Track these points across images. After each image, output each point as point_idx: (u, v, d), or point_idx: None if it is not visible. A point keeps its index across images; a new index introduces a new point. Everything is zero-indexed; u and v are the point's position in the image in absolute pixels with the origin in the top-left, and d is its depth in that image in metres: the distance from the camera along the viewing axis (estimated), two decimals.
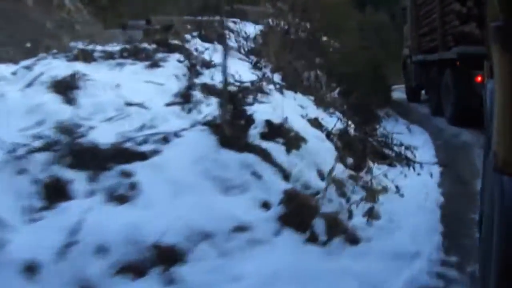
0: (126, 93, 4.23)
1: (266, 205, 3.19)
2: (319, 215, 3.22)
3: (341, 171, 4.25)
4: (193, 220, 2.80)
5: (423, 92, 10.38)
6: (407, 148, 5.45)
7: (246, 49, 6.84)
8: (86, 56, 4.90)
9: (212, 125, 3.73)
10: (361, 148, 4.90)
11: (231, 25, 8.33)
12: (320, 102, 6.00)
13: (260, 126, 4.08)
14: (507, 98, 1.26)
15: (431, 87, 8.67)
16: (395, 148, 5.54)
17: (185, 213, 2.83)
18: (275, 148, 3.86)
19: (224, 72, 3.82)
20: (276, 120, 4.26)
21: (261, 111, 4.37)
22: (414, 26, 9.63)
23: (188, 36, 6.42)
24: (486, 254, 1.48)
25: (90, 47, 5.17)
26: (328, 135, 4.81)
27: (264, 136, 3.98)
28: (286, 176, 3.55)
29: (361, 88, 8.26)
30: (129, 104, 4.05)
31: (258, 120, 4.13)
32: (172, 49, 5.34)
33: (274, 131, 4.10)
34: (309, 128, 4.69)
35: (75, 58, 5.01)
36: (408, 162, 5.21)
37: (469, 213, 3.68)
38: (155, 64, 4.84)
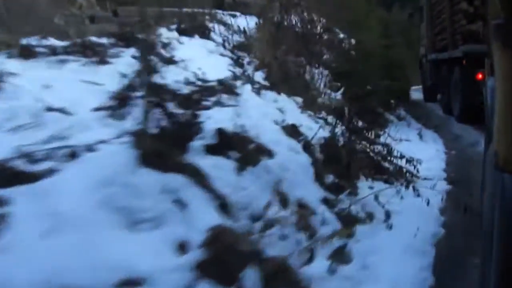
0: (53, 95, 3.50)
1: (182, 247, 2.37)
2: (256, 260, 2.38)
3: (313, 192, 3.40)
4: (62, 270, 2.02)
5: None
6: (409, 161, 4.49)
7: (231, 44, 6.03)
8: (27, 53, 4.22)
9: (138, 136, 2.94)
10: (346, 162, 4.00)
11: (224, 18, 7.54)
12: (310, 105, 5.12)
13: (208, 136, 3.27)
14: (507, 96, 1.25)
15: (442, 86, 8.57)
16: (395, 161, 4.59)
17: (55, 259, 2.06)
18: (221, 166, 3.05)
19: (147, 68, 3.04)
20: (235, 128, 3.45)
21: (219, 117, 3.56)
22: (429, 25, 9.57)
23: (163, 29, 5.67)
24: (486, 253, 1.43)
25: (34, 42, 4.49)
26: (307, 146, 3.94)
27: (211, 150, 3.18)
28: (224, 204, 2.72)
29: (372, 88, 7.42)
30: (50, 109, 3.32)
31: (208, 129, 3.32)
32: (131, 43, 4.60)
33: (227, 142, 3.29)
34: (282, 137, 3.84)
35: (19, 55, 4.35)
36: (407, 179, 4.26)
37: (472, 257, 2.74)
38: (102, 61, 4.11)
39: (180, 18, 6.26)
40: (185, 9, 6.72)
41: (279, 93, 4.88)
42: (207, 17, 7.20)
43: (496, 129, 1.33)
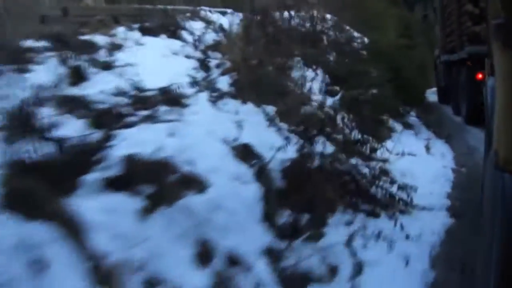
0: None
1: None
2: None
3: (254, 240, 2.56)
4: None
5: None
6: (401, 187, 3.58)
7: (203, 44, 5.25)
8: None
9: (5, 170, 2.20)
10: (312, 191, 3.13)
11: (209, 15, 6.77)
12: (287, 116, 4.26)
13: (114, 165, 2.49)
14: (508, 96, 1.25)
15: (453, 87, 8.51)
16: (386, 186, 3.67)
17: None
18: (118, 208, 2.26)
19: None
20: (156, 152, 2.67)
21: (140, 138, 2.79)
22: (441, 27, 9.47)
23: (121, 29, 4.95)
24: (486, 253, 1.39)
25: None
26: (262, 171, 3.11)
27: (114, 184, 2.40)
28: (98, 267, 1.93)
29: (377, 92, 6.55)
30: None
31: (116, 156, 2.55)
32: (68, 46, 3.89)
33: (139, 173, 2.51)
34: (227, 162, 3.02)
35: None
36: (398, 211, 3.37)
37: None
38: (21, 69, 3.41)
39: (147, 16, 5.53)
40: (159, 6, 5.98)
41: (245, 102, 4.05)
42: (188, 14, 6.44)
43: (496, 129, 1.35)
